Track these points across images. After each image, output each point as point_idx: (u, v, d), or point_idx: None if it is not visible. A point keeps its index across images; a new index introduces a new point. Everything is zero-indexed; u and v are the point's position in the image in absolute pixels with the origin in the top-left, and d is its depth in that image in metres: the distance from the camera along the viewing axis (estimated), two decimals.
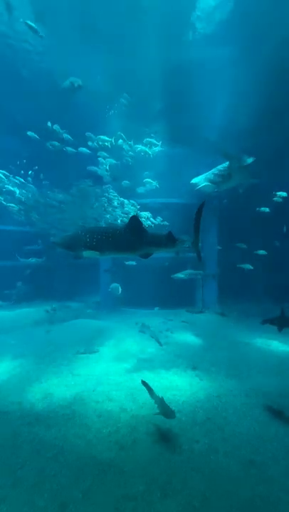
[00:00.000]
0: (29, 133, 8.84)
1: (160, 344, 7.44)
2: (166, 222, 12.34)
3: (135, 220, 3.87)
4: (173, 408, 4.17)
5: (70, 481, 2.85)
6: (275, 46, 7.68)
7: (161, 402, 3.74)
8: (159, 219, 12.27)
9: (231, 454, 3.27)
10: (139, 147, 9.77)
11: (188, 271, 10.65)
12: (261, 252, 10.63)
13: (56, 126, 8.72)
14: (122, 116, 9.89)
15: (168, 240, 4.02)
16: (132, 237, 3.93)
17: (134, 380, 5.26)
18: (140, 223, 3.93)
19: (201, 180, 10.05)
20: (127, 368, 5.85)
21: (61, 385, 5.00)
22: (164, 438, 3.53)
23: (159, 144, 9.92)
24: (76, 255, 3.91)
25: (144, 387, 4.88)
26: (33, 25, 6.81)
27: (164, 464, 3.10)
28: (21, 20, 6.99)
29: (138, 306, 12.71)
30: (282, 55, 7.88)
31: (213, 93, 9.28)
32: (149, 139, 9.75)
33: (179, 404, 4.32)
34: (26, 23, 6.83)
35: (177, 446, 3.39)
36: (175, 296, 13.03)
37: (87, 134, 9.22)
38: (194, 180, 10.36)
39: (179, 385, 5.01)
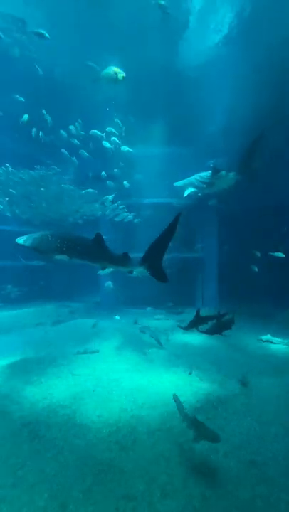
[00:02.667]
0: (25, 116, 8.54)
1: (160, 344, 7.44)
2: (137, 220, 12.67)
3: (99, 237, 4.36)
4: (173, 408, 4.18)
5: (70, 481, 2.85)
6: (276, 46, 7.68)
7: (197, 423, 3.19)
8: (131, 215, 12.54)
9: (231, 454, 3.26)
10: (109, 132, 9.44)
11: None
12: (279, 254, 10.68)
13: (48, 117, 8.55)
14: (121, 115, 9.88)
15: (124, 259, 4.48)
16: (96, 250, 4.41)
17: (134, 380, 5.26)
18: (102, 240, 4.40)
19: (185, 185, 10.49)
20: (126, 368, 5.85)
21: (61, 385, 5.00)
22: (164, 438, 3.53)
23: (123, 131, 9.66)
24: (48, 258, 4.28)
25: (143, 387, 4.89)
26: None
27: (164, 463, 3.10)
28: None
29: (139, 306, 12.71)
30: (283, 56, 7.88)
31: (214, 92, 9.28)
32: (112, 129, 9.42)
33: None
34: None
35: (177, 446, 3.38)
36: (175, 296, 13.03)
37: (78, 123, 9.07)
38: (178, 184, 10.74)
39: (179, 385, 5.01)
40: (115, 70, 6.77)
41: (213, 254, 13.46)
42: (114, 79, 6.82)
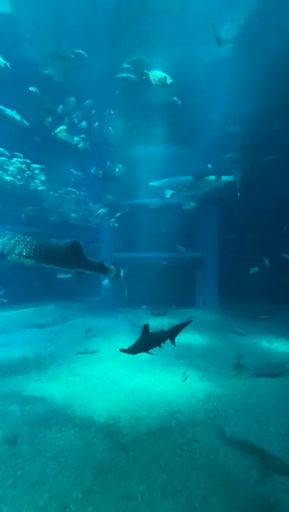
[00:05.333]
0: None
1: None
2: (116, 224, 12.92)
3: (77, 246, 4.45)
4: (173, 408, 4.19)
5: (70, 481, 2.85)
6: (278, 50, 7.65)
7: (263, 453, 2.70)
8: (112, 221, 12.88)
9: (231, 454, 3.26)
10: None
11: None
12: None
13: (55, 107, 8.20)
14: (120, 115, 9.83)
15: (100, 267, 4.86)
16: (71, 258, 4.50)
17: (134, 380, 5.27)
18: (81, 250, 4.52)
19: (161, 186, 10.92)
20: (126, 368, 5.85)
21: (61, 385, 5.00)
22: (165, 438, 3.53)
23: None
24: (12, 260, 4.18)
25: (143, 387, 4.89)
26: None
27: (164, 463, 3.10)
28: None
29: (139, 306, 12.71)
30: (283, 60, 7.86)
31: (215, 91, 9.22)
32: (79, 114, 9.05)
33: (179, 404, 4.33)
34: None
35: (177, 446, 3.39)
36: (176, 296, 13.04)
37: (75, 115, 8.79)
38: (154, 184, 11.05)
39: (179, 386, 5.02)
40: (165, 75, 7.06)
41: (213, 254, 13.45)
42: (163, 83, 7.07)
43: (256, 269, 11.02)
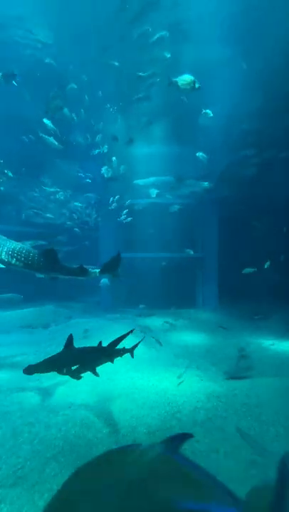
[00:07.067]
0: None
1: (160, 344, 7.44)
2: (129, 218, 12.83)
3: (52, 252, 4.48)
4: (173, 408, 4.19)
5: None
6: (275, 50, 7.65)
7: None
8: (124, 212, 12.84)
9: (232, 455, 3.26)
10: None
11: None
12: None
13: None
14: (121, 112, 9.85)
15: (80, 271, 4.80)
16: (46, 263, 4.52)
17: (134, 380, 5.27)
18: (56, 256, 4.54)
19: (146, 185, 11.21)
20: (126, 368, 5.84)
21: (61, 385, 5.00)
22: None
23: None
24: None
25: (143, 387, 4.89)
26: None
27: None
28: None
29: (139, 306, 12.69)
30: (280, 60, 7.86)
31: (216, 90, 9.22)
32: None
33: (178, 404, 4.32)
34: None
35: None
36: (175, 296, 13.02)
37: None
38: (140, 182, 11.26)
39: (179, 386, 5.01)
40: (193, 79, 6.92)
41: (213, 254, 13.43)
42: (192, 87, 6.97)
43: (252, 269, 11.01)
